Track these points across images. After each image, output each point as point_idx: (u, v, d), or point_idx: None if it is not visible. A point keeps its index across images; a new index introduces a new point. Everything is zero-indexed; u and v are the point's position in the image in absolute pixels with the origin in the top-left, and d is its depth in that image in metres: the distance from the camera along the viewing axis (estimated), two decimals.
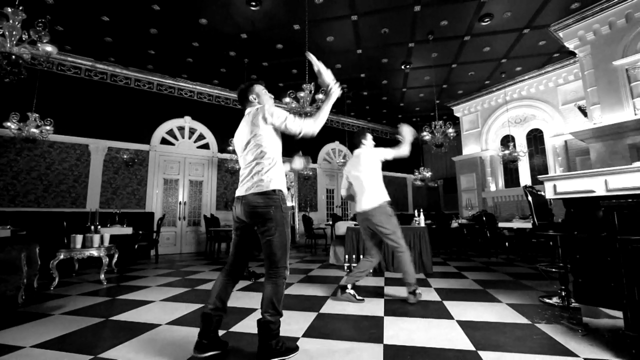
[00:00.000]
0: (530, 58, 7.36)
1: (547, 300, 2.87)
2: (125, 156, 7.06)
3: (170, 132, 7.85)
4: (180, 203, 7.77)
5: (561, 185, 2.26)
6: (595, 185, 2.10)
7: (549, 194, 2.33)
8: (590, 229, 2.29)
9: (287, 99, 4.68)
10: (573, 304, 2.71)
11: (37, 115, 5.29)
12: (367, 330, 2.24)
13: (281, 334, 1.86)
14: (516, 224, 5.00)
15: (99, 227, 4.68)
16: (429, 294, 3.22)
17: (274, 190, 1.82)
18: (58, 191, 6.35)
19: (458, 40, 6.54)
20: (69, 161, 6.53)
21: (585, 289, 2.29)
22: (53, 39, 4.58)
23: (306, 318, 2.52)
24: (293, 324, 2.38)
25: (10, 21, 2.70)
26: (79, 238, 3.96)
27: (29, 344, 2.05)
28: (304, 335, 2.14)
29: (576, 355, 1.79)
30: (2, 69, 2.64)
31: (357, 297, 2.99)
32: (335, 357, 1.81)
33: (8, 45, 2.66)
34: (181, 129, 8.02)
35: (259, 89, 2.08)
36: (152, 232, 6.77)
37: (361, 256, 4.91)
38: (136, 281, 4.16)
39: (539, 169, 8.36)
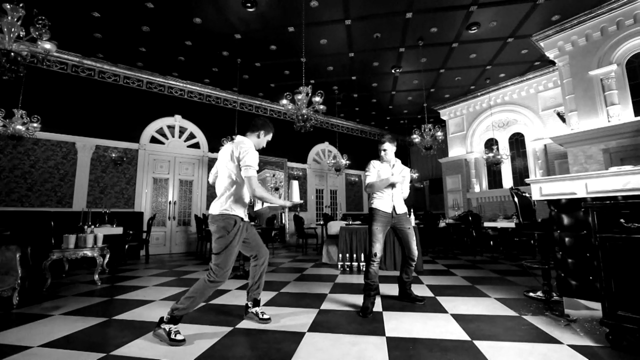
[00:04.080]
0: (513, 65, 7.72)
1: (532, 295, 3.09)
2: (113, 155, 6.92)
3: (160, 131, 7.75)
4: (170, 203, 7.68)
5: (546, 188, 2.46)
6: (577, 188, 2.30)
7: (535, 195, 2.52)
8: (571, 227, 2.50)
9: (284, 101, 4.74)
10: (555, 297, 2.92)
11: (23, 111, 5.13)
12: (369, 324, 2.36)
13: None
14: (500, 224, 5.25)
15: (92, 227, 4.61)
16: (422, 291, 3.38)
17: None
18: (43, 190, 6.16)
19: (446, 47, 6.79)
20: (55, 159, 6.34)
21: (567, 283, 2.50)
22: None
23: (309, 314, 2.62)
24: (296, 320, 2.47)
25: (9, 18, 2.64)
26: (72, 238, 3.89)
27: (36, 343, 2.05)
28: (310, 330, 2.24)
29: (560, 342, 1.97)
30: (1, 66, 2.59)
31: (263, 317, 2.43)
32: (343, 349, 1.92)
33: (7, 42, 2.60)
34: (171, 127, 7.92)
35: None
36: (142, 231, 6.69)
37: (354, 255, 5.05)
38: (130, 281, 4.13)
39: (520, 171, 8.77)
